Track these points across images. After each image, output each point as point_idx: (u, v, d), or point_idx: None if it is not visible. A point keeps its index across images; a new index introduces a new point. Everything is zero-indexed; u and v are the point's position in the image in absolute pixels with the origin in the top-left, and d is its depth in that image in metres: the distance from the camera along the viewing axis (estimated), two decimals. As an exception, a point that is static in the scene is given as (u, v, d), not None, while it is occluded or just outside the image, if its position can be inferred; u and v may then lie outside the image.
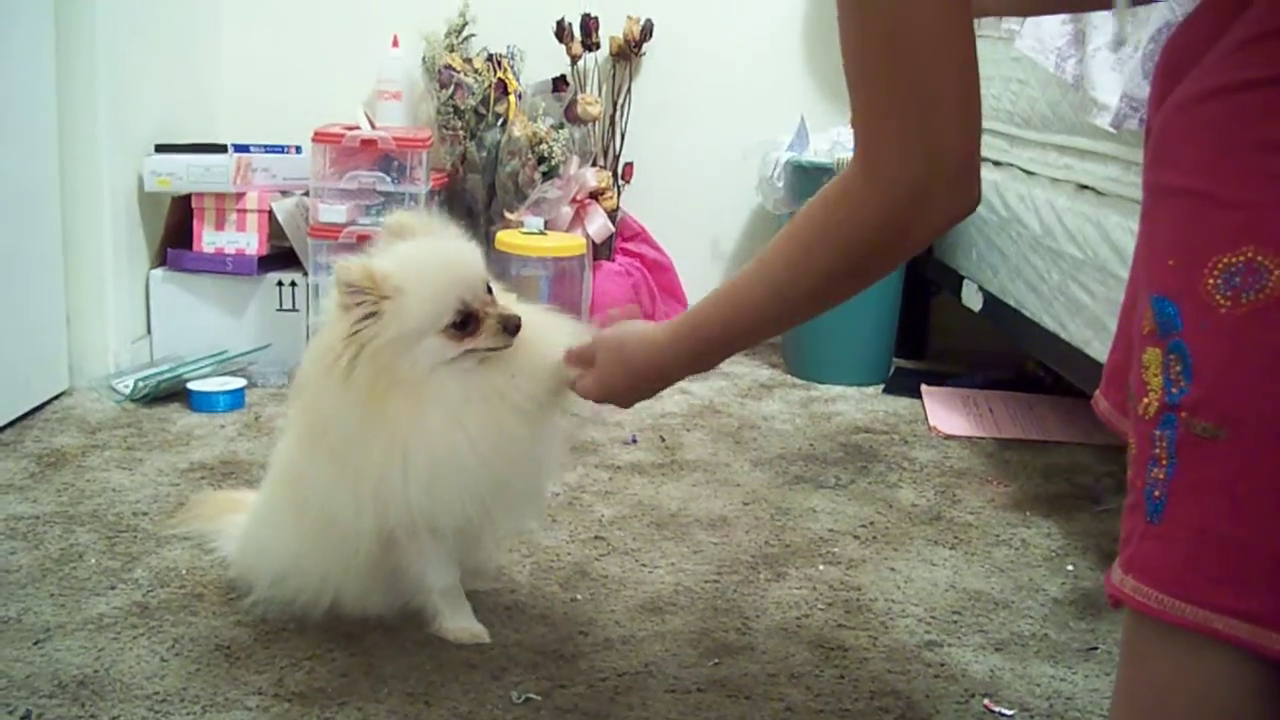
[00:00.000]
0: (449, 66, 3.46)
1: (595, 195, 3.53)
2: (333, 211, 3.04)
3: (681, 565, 2.12)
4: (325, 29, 3.70)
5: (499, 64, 3.51)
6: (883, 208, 1.16)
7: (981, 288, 3.06)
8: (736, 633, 1.88)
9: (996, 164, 3.18)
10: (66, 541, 2.10)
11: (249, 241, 3.16)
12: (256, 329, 3.19)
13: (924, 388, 3.29)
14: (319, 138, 3.06)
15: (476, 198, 3.51)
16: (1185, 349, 0.98)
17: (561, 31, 3.58)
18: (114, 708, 1.58)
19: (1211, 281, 0.96)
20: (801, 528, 2.30)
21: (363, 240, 3.01)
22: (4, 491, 2.30)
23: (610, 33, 3.64)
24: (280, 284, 3.18)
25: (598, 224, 3.49)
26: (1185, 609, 0.98)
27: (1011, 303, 2.85)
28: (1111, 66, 2.27)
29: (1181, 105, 1.03)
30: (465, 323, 1.66)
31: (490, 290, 1.72)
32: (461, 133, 3.48)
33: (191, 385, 2.90)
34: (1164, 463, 1.00)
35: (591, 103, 3.54)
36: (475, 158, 3.48)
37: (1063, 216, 2.51)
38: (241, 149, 3.16)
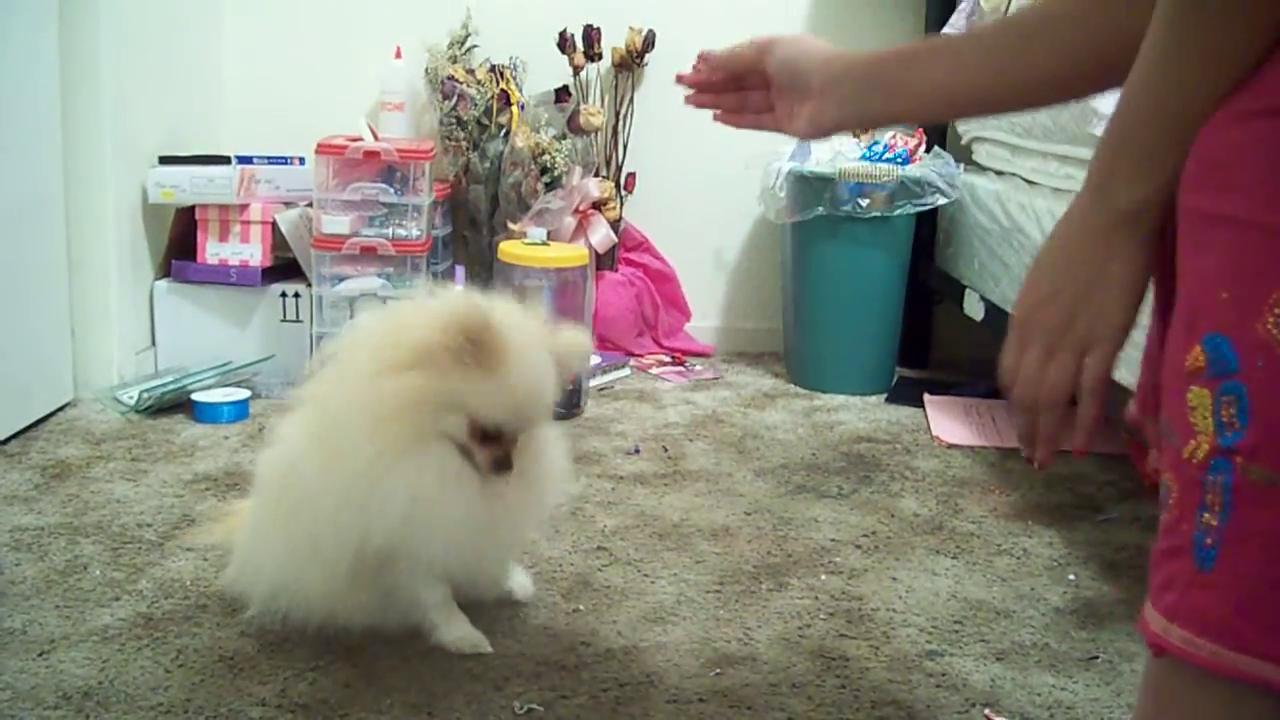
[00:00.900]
0: (451, 78, 3.47)
1: (598, 205, 3.54)
2: (336, 222, 3.05)
3: (684, 575, 2.12)
4: (328, 41, 3.71)
5: (501, 75, 3.52)
6: None
7: (983, 297, 3.06)
8: (738, 643, 1.88)
9: (999, 174, 3.19)
10: (71, 553, 2.11)
11: (253, 253, 3.17)
12: (260, 340, 3.20)
13: (926, 397, 3.29)
14: (322, 149, 3.07)
15: (479, 208, 3.52)
16: (1242, 390, 0.94)
17: (564, 42, 3.59)
18: (118, 719, 1.59)
19: (1271, 319, 0.92)
20: (804, 537, 2.31)
21: (366, 251, 3.03)
22: (9, 503, 2.31)
23: (612, 43, 3.65)
24: (284, 295, 3.19)
25: (600, 234, 3.50)
26: (1239, 660, 0.94)
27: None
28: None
29: (1235, 123, 0.96)
30: (494, 437, 1.70)
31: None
32: (464, 144, 3.50)
33: (196, 396, 2.90)
34: (1217, 509, 0.95)
35: (594, 113, 3.55)
36: (478, 168, 3.49)
37: (1064, 226, 2.51)
38: (245, 160, 3.17)
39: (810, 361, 3.47)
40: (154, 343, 3.22)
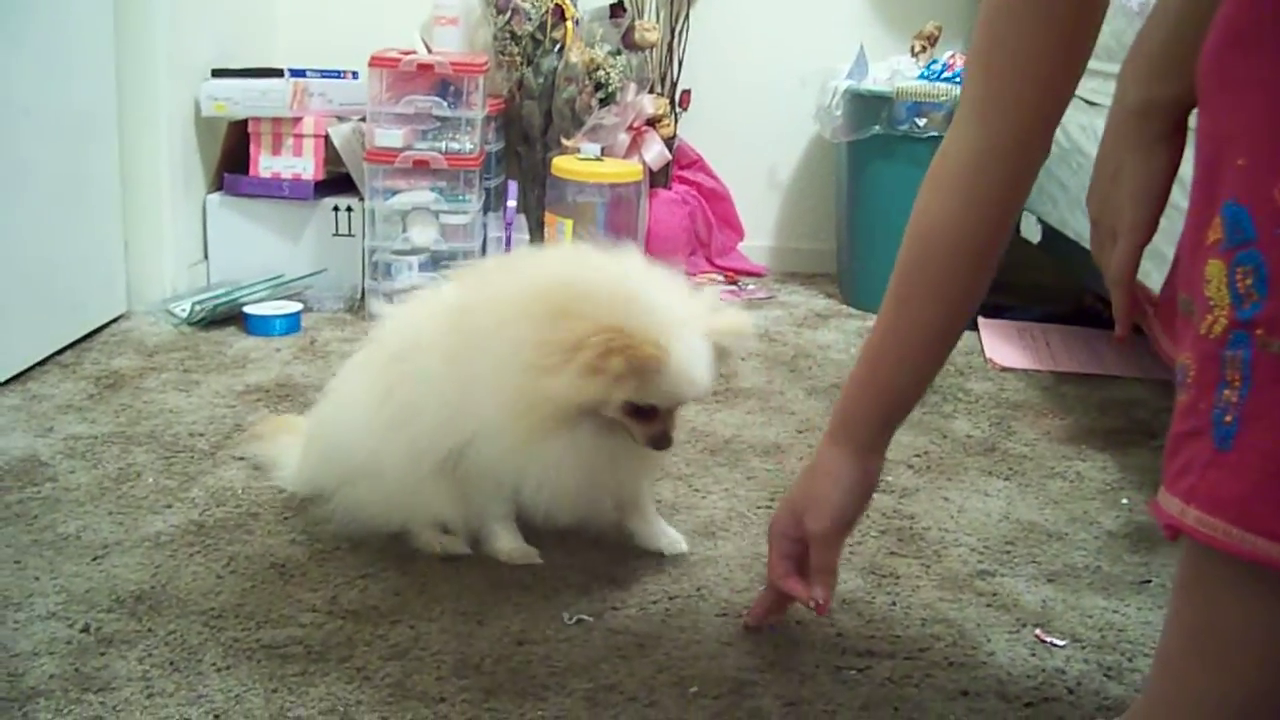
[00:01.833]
0: (506, -9, 3.44)
1: (652, 122, 3.51)
2: (389, 136, 3.04)
3: (735, 491, 2.12)
4: (382, -47, 3.68)
5: (556, -11, 3.49)
6: None
7: (1040, 219, 3.02)
8: (788, 559, 1.87)
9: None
10: (124, 461, 2.12)
11: (305, 166, 3.16)
12: (313, 254, 3.20)
13: (980, 320, 3.26)
14: (375, 62, 3.05)
15: (533, 124, 3.50)
16: (1260, 259, 0.90)
17: (620, -44, 3.55)
18: (170, 623, 1.60)
19: None
20: (855, 457, 2.29)
21: (419, 165, 3.02)
22: (63, 412, 2.32)
23: (669, -43, 3.61)
24: (336, 209, 3.19)
25: (654, 151, 3.47)
26: (1257, 542, 0.91)
27: (1071, 235, 2.81)
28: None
29: None
30: (649, 414, 1.66)
31: None
32: (518, 58, 3.47)
33: (247, 309, 2.91)
34: (1236, 384, 0.92)
35: (649, 29, 3.51)
36: (532, 84, 3.47)
37: (1125, 146, 2.47)
38: (298, 74, 3.16)
39: (864, 282, 3.44)
40: (206, 256, 3.22)
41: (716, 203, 3.72)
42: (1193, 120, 1.02)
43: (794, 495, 1.56)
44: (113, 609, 1.63)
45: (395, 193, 3.07)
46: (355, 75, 3.24)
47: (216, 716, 1.41)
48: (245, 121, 3.18)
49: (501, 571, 1.78)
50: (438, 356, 1.73)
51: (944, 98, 3.20)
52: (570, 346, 1.57)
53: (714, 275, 3.65)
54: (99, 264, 2.87)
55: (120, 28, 2.87)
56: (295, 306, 2.95)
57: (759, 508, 2.05)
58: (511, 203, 3.20)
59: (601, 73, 3.38)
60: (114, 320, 2.90)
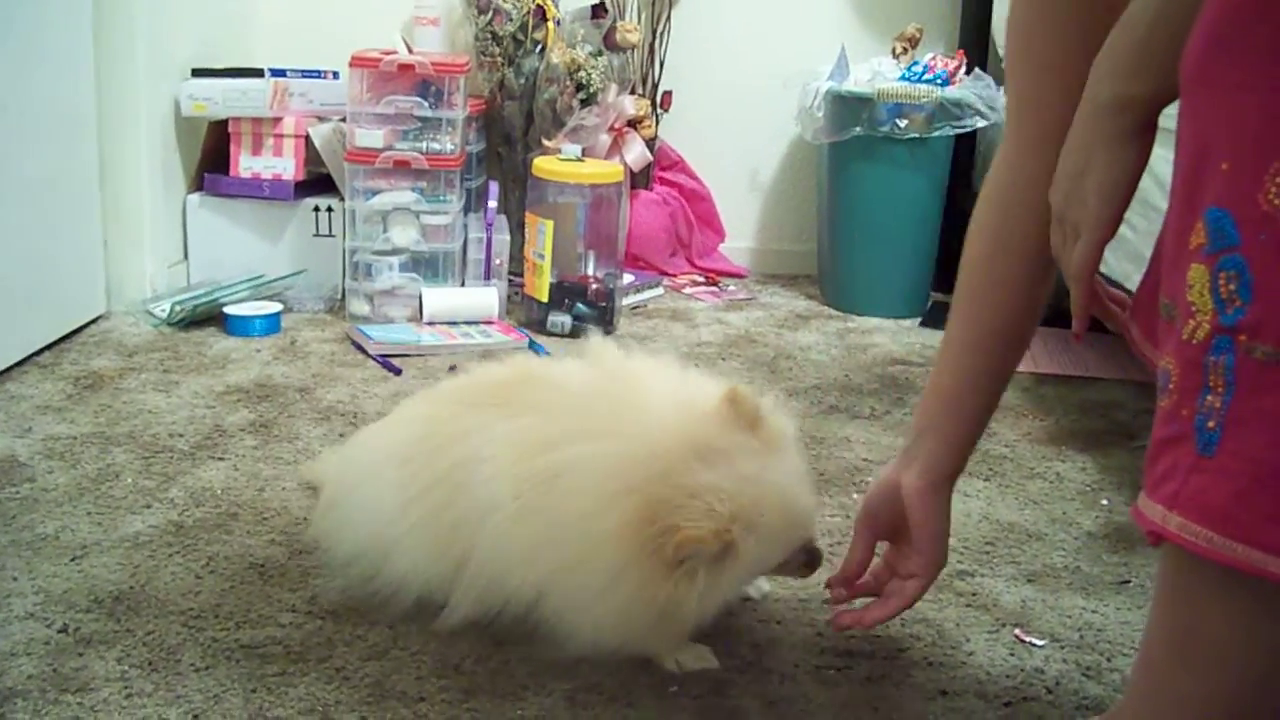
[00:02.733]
0: (487, -8, 3.44)
1: (633, 123, 3.51)
2: (369, 136, 3.03)
3: (714, 493, 2.11)
4: (363, -47, 3.67)
5: (538, -11, 3.49)
6: None
7: (1021, 220, 3.02)
8: (768, 559, 1.87)
9: (1039, 95, 3.14)
10: (103, 461, 2.11)
11: (286, 166, 3.16)
12: (293, 254, 3.19)
13: (961, 321, 3.26)
14: (356, 62, 3.04)
15: (514, 125, 3.50)
16: (1243, 264, 0.90)
17: (601, -44, 3.55)
18: (148, 623, 1.60)
19: (1273, 189, 0.88)
20: (836, 456, 2.30)
21: (400, 165, 3.01)
22: (41, 412, 2.31)
23: (650, -41, 3.61)
24: (317, 209, 3.18)
25: (636, 152, 3.47)
26: (1238, 549, 0.92)
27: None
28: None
29: None
30: (811, 562, 1.57)
31: None
32: (499, 59, 3.46)
33: (228, 309, 2.91)
34: (1220, 390, 0.92)
35: (630, 30, 3.51)
36: (513, 84, 3.46)
37: (1105, 147, 2.48)
38: (278, 73, 3.16)
39: (845, 284, 3.44)
40: (186, 256, 3.22)
41: (697, 204, 3.73)
42: (1173, 123, 1.02)
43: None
44: (91, 609, 1.62)
45: (376, 193, 3.07)
46: (336, 75, 3.23)
47: (195, 717, 1.41)
48: (225, 121, 3.17)
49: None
50: (506, 490, 1.52)
51: (925, 99, 3.21)
52: (681, 550, 1.40)
53: (695, 276, 3.65)
54: (78, 264, 2.86)
55: (100, 26, 2.86)
56: (275, 307, 2.95)
57: (739, 508, 2.05)
58: (492, 203, 3.20)
59: (583, 73, 3.38)
60: (93, 321, 2.89)
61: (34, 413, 2.31)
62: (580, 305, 3.06)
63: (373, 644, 1.57)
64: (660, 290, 3.48)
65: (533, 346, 2.89)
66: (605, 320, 3.06)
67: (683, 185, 3.71)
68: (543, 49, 3.44)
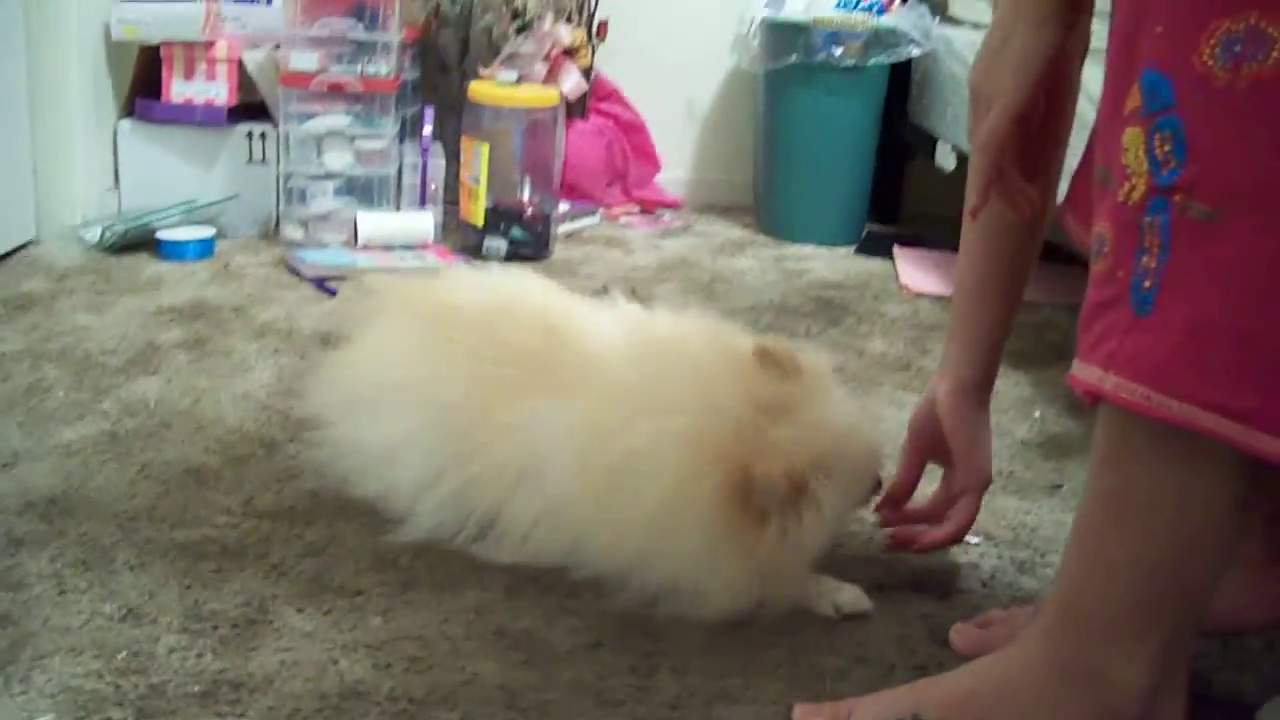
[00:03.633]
0: (422, -83, 3.40)
1: (569, 52, 3.48)
2: (304, 59, 3.00)
3: (651, 405, 2.12)
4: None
5: (473, -85, 3.45)
6: None
7: (955, 147, 3.05)
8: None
9: (975, 26, 3.16)
10: (34, 375, 2.09)
11: (218, 91, 3.11)
12: (226, 181, 3.14)
13: (896, 248, 3.29)
14: (290, -15, 3.01)
15: (449, 52, 3.47)
16: (1179, 124, 0.91)
17: (537, -117, 3.52)
18: (82, 525, 1.58)
19: (1208, 51, 0.88)
20: (772, 373, 2.31)
21: (334, 89, 2.98)
22: (-30, 330, 2.29)
23: (586, -115, 3.57)
24: (250, 135, 3.14)
25: (571, 81, 3.45)
26: (1173, 405, 0.93)
27: (985, 160, 2.83)
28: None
29: None
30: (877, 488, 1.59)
31: None
32: (434, -15, 3.43)
33: (161, 234, 2.87)
34: (1155, 250, 0.93)
35: (566, -43, 3.48)
36: (448, 12, 3.43)
37: (1039, 67, 2.49)
38: (211, -3, 3.11)
39: (780, 211, 3.45)
40: (118, 183, 3.17)
41: (633, 134, 3.71)
42: (1104, 44, 1.03)
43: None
44: (23, 513, 1.61)
45: (310, 117, 3.03)
46: (270, 1, 3.19)
47: (130, 611, 1.40)
48: (157, 46, 3.11)
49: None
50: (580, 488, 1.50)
51: (860, 27, 3.21)
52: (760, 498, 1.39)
53: (630, 207, 3.64)
54: (6, 189, 2.81)
55: (26, -54, 2.81)
56: (209, 231, 2.91)
57: (676, 419, 2.05)
58: (428, 129, 3.18)
59: (518, 1, 3.36)
60: (22, 246, 2.85)
61: (-37, 331, 2.29)
62: (516, 230, 3.05)
63: (310, 542, 1.57)
64: (596, 219, 3.47)
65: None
66: (541, 245, 3.05)
67: (619, 116, 3.69)
68: (478, -25, 3.41)
